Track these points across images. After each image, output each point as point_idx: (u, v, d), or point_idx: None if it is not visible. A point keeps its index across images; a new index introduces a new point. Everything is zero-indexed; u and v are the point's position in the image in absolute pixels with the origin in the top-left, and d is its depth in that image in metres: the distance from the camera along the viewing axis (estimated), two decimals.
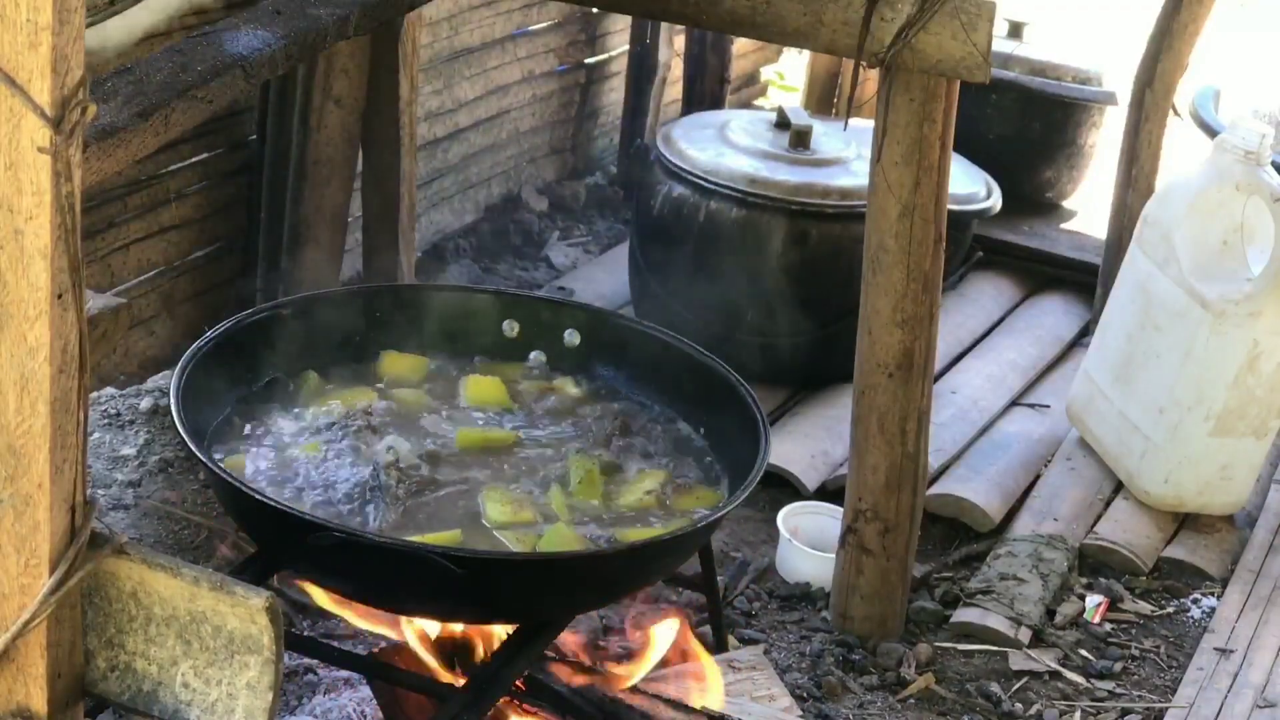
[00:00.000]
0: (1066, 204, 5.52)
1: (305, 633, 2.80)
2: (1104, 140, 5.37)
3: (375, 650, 2.66)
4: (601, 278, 4.69)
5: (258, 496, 2.17)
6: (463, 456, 2.47)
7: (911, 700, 3.12)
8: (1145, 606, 3.53)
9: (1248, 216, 3.69)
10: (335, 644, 2.61)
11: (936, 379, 3.83)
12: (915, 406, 3.06)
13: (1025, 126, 5.28)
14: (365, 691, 2.78)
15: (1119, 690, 3.24)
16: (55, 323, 1.53)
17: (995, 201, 4.34)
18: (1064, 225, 5.37)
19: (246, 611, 1.68)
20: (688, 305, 4.02)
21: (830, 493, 3.68)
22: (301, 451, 2.40)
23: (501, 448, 2.48)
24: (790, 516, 3.51)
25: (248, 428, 2.47)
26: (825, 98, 5.66)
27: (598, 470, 2.41)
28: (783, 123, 4.19)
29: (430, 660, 2.49)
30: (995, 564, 3.52)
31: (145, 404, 3.76)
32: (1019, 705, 3.15)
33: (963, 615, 3.36)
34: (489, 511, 2.33)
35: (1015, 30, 5.34)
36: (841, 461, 3.74)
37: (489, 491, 2.37)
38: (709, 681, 2.81)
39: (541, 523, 2.32)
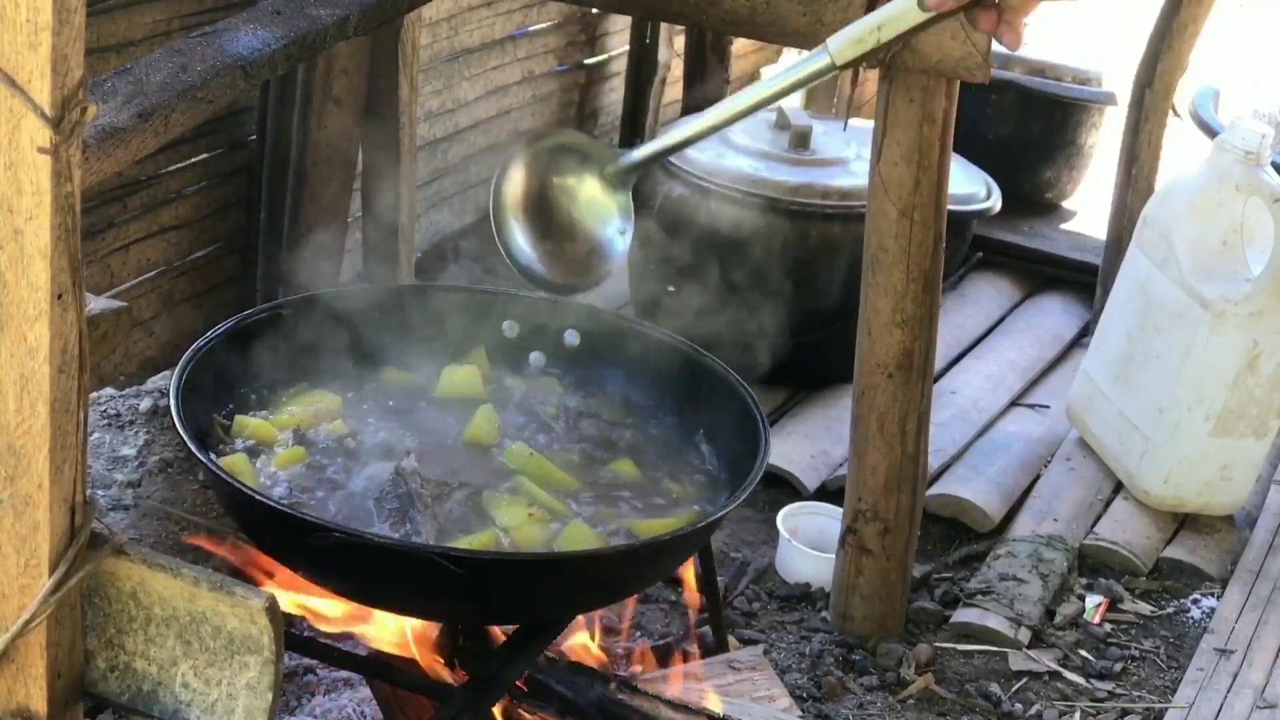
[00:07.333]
0: (1066, 204, 5.52)
1: (305, 633, 2.80)
2: (1104, 140, 5.37)
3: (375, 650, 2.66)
4: None
5: (257, 497, 2.17)
6: (450, 458, 2.46)
7: (911, 700, 3.12)
8: (1145, 607, 3.53)
9: (1247, 216, 3.70)
10: (335, 644, 2.60)
11: (936, 379, 3.83)
12: (915, 407, 3.06)
13: (1025, 127, 5.28)
14: (365, 691, 2.78)
15: (1119, 691, 3.24)
16: (55, 323, 1.53)
17: (995, 202, 4.34)
18: (1064, 225, 5.37)
19: (246, 611, 1.68)
20: (687, 305, 4.02)
21: (830, 493, 3.68)
22: (296, 452, 2.40)
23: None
24: (790, 517, 3.51)
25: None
26: (825, 98, 5.66)
27: (546, 458, 2.42)
28: (783, 123, 4.19)
29: (429, 661, 2.49)
30: (995, 564, 3.52)
31: (145, 404, 3.77)
32: (1019, 705, 3.15)
33: (962, 615, 3.37)
34: (499, 514, 2.32)
35: None
36: (841, 461, 3.74)
37: (492, 496, 2.36)
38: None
39: (556, 522, 2.31)
